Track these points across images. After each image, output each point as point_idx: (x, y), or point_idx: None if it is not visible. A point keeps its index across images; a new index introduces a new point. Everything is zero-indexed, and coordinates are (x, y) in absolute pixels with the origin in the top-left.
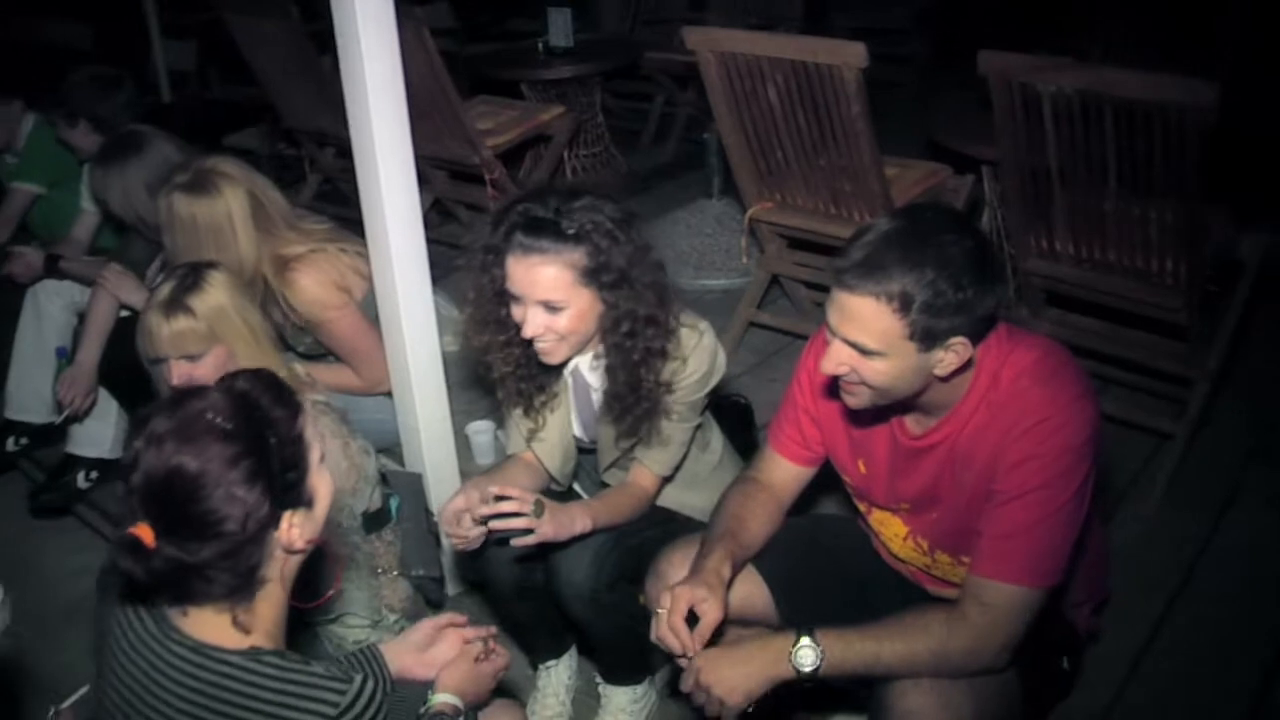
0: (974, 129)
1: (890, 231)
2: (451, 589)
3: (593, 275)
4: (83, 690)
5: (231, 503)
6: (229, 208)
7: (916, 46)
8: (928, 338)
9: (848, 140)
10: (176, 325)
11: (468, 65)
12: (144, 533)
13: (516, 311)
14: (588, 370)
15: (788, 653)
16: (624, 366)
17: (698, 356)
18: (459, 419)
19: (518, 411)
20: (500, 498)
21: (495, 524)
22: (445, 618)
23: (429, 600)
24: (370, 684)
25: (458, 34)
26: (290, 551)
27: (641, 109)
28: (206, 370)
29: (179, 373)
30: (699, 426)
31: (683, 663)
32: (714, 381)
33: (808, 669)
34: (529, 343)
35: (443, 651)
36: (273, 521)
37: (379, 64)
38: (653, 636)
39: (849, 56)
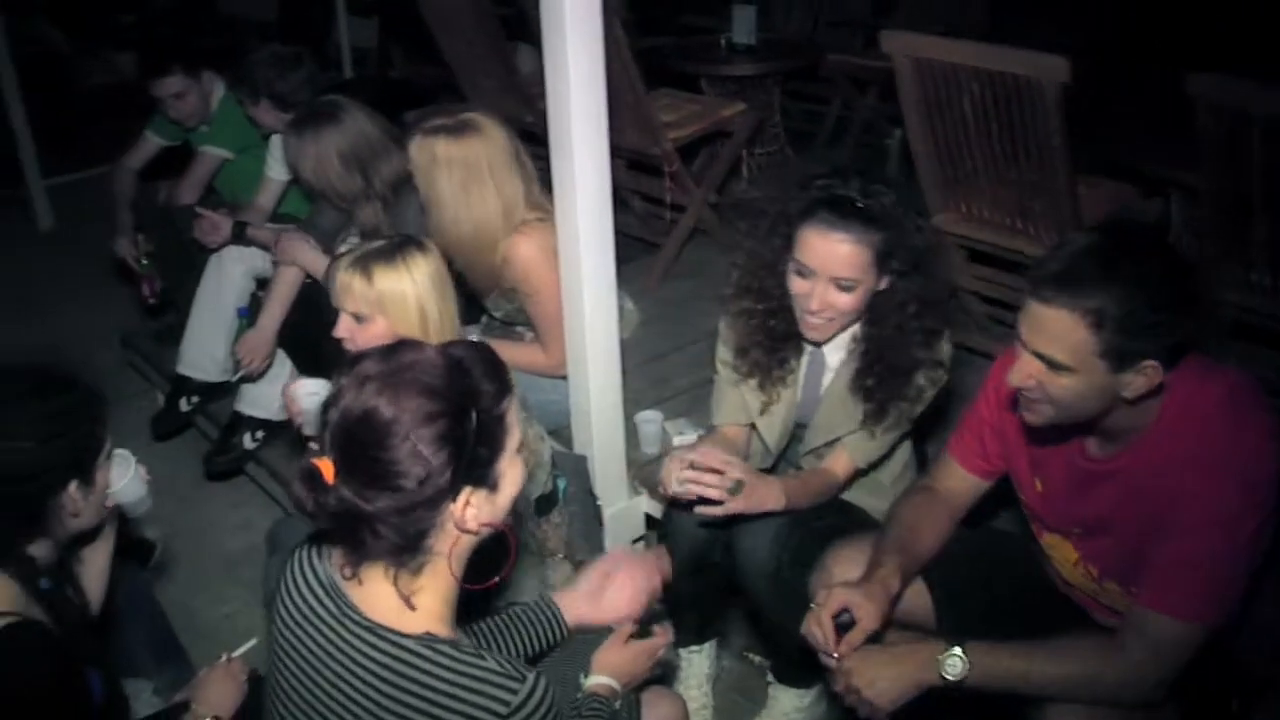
0: (1165, 151)
1: (1091, 245)
2: None
3: (886, 259)
4: (252, 642)
5: (414, 459)
6: (495, 149)
7: (1092, 65)
8: (1119, 357)
9: (1041, 155)
10: (353, 282)
11: (642, 57)
12: (325, 467)
13: (799, 284)
14: (831, 350)
15: (936, 660)
16: (896, 347)
17: (946, 352)
18: (627, 407)
19: (752, 382)
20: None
21: (693, 488)
22: (610, 560)
23: None
24: (543, 684)
25: (631, 26)
26: (462, 529)
27: (817, 111)
28: (367, 336)
29: (344, 326)
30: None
31: (827, 661)
32: (945, 379)
33: (954, 678)
34: (782, 315)
35: (615, 595)
36: (451, 492)
37: (583, 54)
38: (802, 629)
39: (1051, 70)
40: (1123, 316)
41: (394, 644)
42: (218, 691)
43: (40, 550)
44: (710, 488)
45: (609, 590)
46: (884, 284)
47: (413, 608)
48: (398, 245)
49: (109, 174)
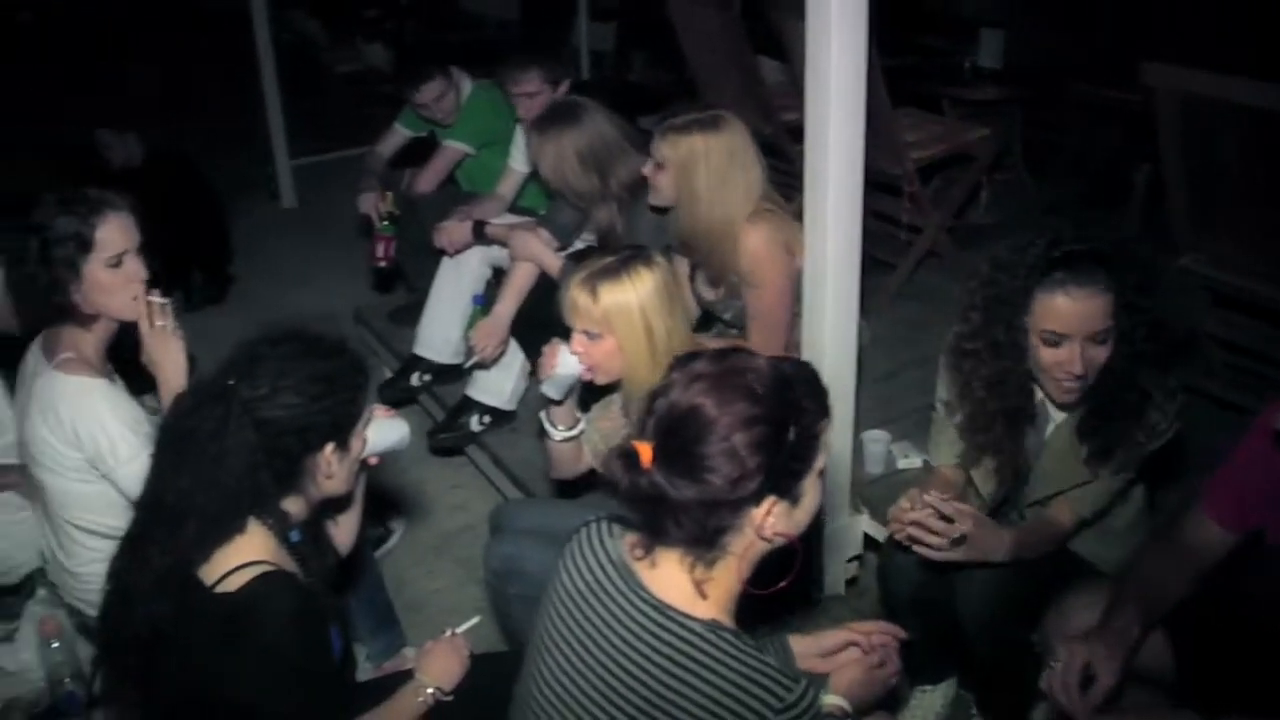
0: None
1: None
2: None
3: (1120, 295)
4: (475, 620)
5: (729, 459)
6: (744, 140)
7: None
8: None
9: None
10: (580, 301)
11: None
12: (644, 450)
13: (1051, 354)
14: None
15: None
16: (1123, 378)
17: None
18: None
19: (979, 438)
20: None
21: (916, 532)
22: (857, 634)
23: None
24: (814, 692)
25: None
26: (760, 536)
27: (1055, 140)
28: (597, 352)
29: (577, 343)
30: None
31: None
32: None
33: None
34: (1019, 398)
35: (847, 657)
36: (756, 497)
37: (845, 73)
38: (1042, 685)
39: None
40: None
41: (680, 625)
42: (441, 665)
43: (295, 507)
44: (932, 538)
45: (842, 656)
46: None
47: (704, 596)
48: (624, 260)
49: (363, 157)
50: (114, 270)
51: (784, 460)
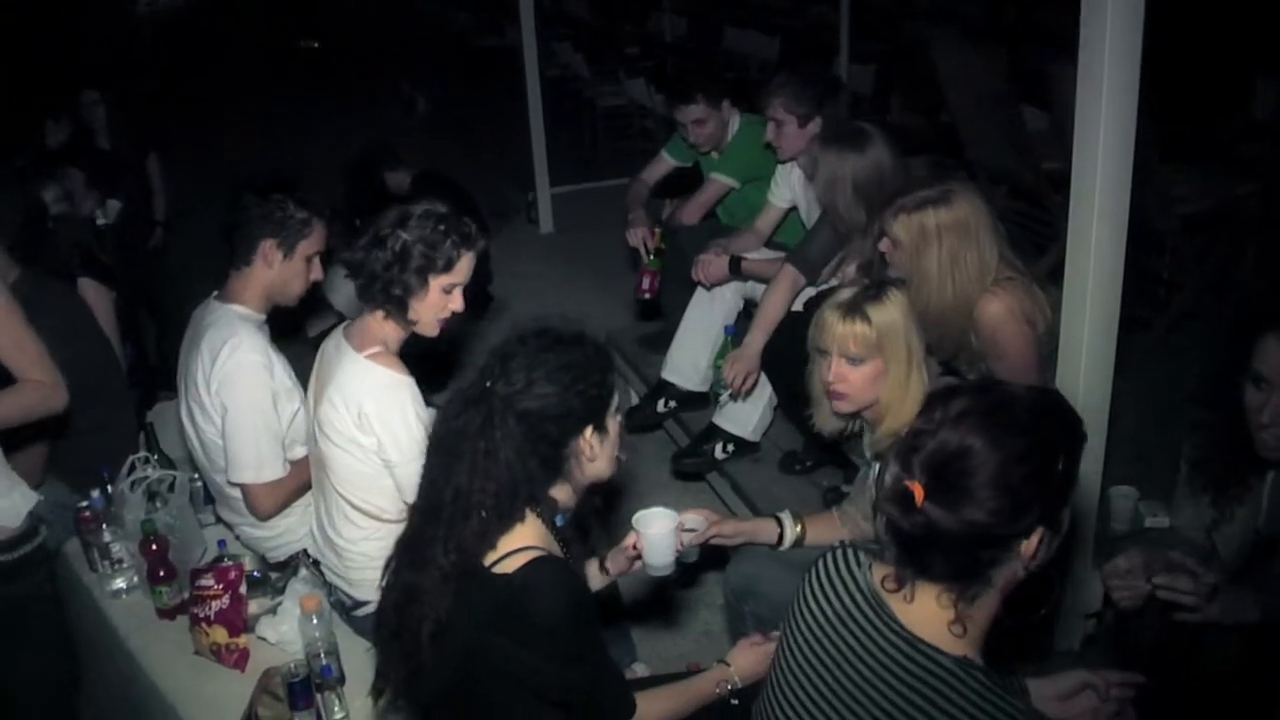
0: None
1: None
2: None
3: None
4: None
5: (1006, 494)
6: (979, 212)
7: None
8: None
9: None
10: (850, 327)
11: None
12: (917, 490)
13: (1252, 394)
14: None
15: None
16: None
17: None
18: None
19: (1205, 498)
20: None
21: (1163, 593)
22: (1086, 677)
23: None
24: None
25: None
26: (1026, 568)
27: None
28: (858, 377)
29: (835, 371)
30: None
31: None
32: None
33: None
34: (1242, 430)
35: (1082, 703)
36: (1026, 530)
37: (1115, 119)
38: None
39: None
40: None
41: (932, 660)
42: (753, 664)
43: (563, 494)
44: (1184, 594)
45: (1079, 698)
46: None
47: (961, 633)
48: (877, 286)
49: (628, 184)
50: (445, 295)
51: (1055, 490)
